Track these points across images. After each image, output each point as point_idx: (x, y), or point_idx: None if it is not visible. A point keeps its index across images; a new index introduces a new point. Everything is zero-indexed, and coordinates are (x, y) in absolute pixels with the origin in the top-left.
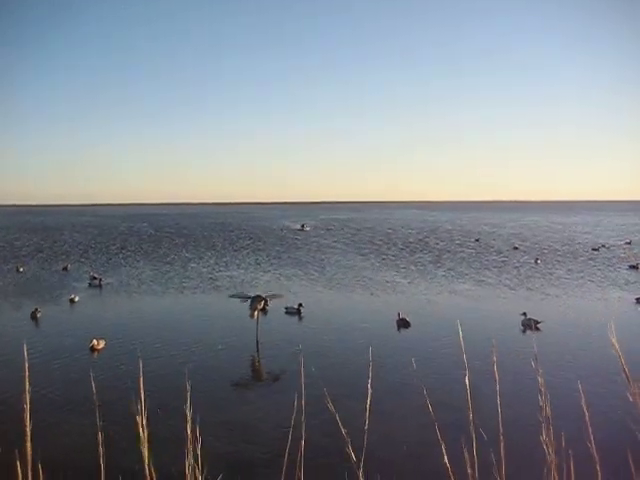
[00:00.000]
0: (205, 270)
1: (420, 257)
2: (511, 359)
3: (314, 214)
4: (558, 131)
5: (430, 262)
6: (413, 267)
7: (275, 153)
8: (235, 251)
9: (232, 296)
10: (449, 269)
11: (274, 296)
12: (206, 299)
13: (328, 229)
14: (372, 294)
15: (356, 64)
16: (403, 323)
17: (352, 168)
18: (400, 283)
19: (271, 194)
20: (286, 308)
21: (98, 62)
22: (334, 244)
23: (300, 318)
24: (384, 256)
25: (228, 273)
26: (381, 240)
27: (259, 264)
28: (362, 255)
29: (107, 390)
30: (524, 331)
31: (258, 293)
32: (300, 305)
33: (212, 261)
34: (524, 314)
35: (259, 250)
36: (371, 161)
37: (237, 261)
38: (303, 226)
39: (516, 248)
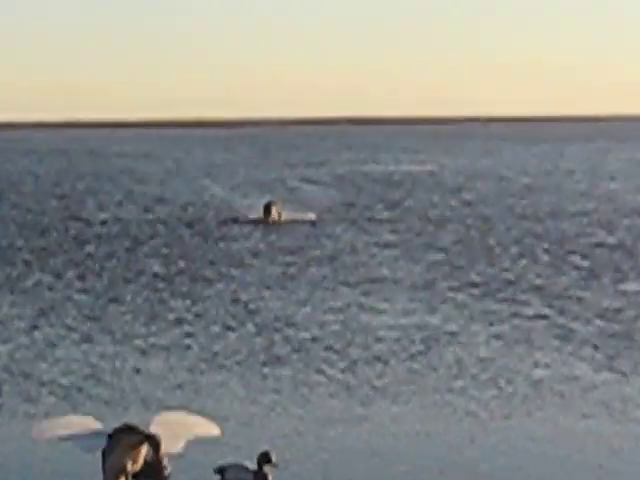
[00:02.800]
0: None
1: None
2: None
3: (320, 157)
4: None
5: None
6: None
7: None
8: (56, 276)
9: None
10: None
11: (184, 428)
12: None
13: (354, 212)
14: (493, 429)
15: None
16: None
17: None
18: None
19: (196, 99)
20: (221, 470)
21: None
22: (371, 262)
23: None
24: (534, 306)
25: (36, 350)
26: (529, 249)
27: (135, 325)
28: (455, 304)
29: None
30: None
31: (126, 422)
32: (265, 459)
33: None
34: None
35: (128, 283)
36: None
37: (62, 317)
38: (269, 208)
39: None
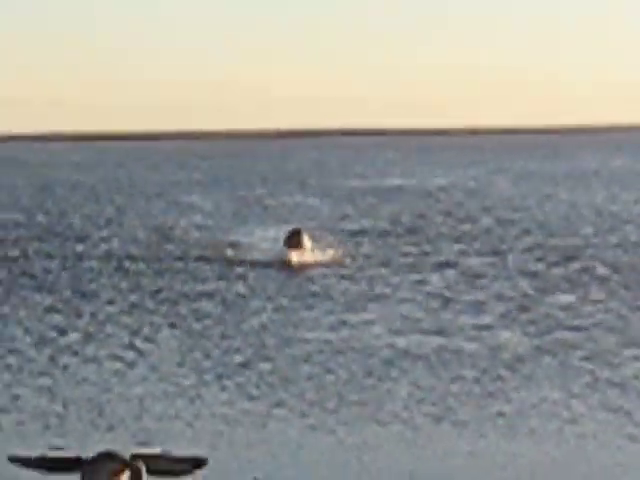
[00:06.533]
0: None
1: None
2: None
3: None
4: None
5: None
6: None
7: None
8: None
9: (16, 459)
10: None
11: (168, 459)
12: None
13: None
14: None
15: None
16: None
17: None
18: None
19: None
20: None
21: None
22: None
23: None
24: None
25: (18, 377)
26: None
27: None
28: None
29: None
30: None
31: (108, 449)
32: None
33: None
34: None
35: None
36: None
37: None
38: (294, 243)
39: None
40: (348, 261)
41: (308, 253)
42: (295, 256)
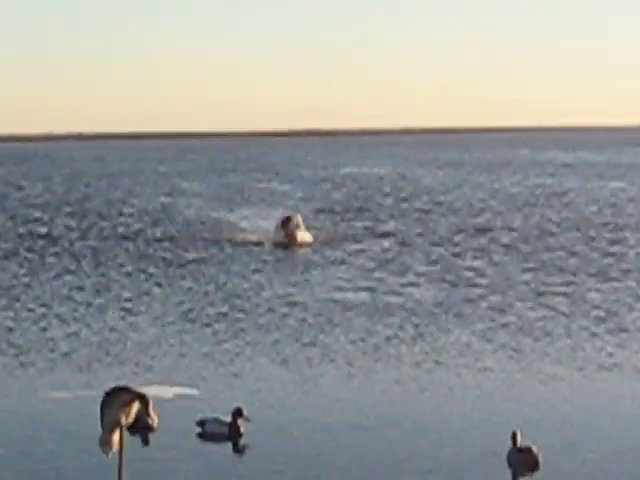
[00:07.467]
0: None
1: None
2: None
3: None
4: None
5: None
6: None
7: None
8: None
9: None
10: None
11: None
12: None
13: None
14: (423, 386)
15: None
16: (523, 460)
17: None
18: (499, 353)
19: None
20: (202, 422)
21: None
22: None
23: (237, 446)
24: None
25: (51, 325)
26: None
27: (127, 309)
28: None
29: None
30: None
31: (123, 384)
32: (238, 413)
33: None
34: None
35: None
36: None
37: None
38: (288, 221)
39: None
40: (330, 241)
41: (298, 234)
42: (288, 237)
